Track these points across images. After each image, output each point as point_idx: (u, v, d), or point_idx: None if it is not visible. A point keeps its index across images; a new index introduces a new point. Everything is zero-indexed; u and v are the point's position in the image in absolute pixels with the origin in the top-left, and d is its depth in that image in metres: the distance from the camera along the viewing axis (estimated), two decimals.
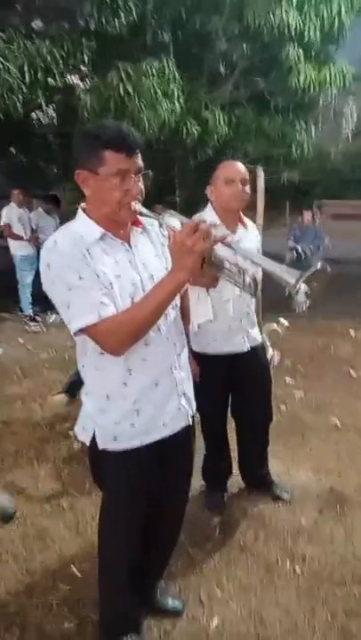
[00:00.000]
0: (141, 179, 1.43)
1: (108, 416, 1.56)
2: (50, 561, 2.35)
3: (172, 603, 2.06)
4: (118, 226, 1.48)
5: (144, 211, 1.44)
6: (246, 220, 2.52)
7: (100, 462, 1.63)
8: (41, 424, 3.70)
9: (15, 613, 2.07)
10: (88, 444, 1.61)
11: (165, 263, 1.57)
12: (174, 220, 1.52)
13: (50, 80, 5.43)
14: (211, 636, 1.95)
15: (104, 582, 1.85)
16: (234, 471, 2.82)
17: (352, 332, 6.04)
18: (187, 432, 1.69)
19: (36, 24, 7.09)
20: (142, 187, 1.44)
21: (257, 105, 7.54)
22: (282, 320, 3.42)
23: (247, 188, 2.38)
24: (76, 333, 1.43)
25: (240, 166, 2.38)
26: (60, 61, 5.22)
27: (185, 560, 2.32)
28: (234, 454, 2.82)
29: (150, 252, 1.57)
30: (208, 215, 2.40)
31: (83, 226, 1.46)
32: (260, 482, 2.82)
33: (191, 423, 1.70)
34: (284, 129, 7.43)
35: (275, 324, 3.38)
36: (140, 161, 1.42)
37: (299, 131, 7.53)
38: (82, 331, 1.40)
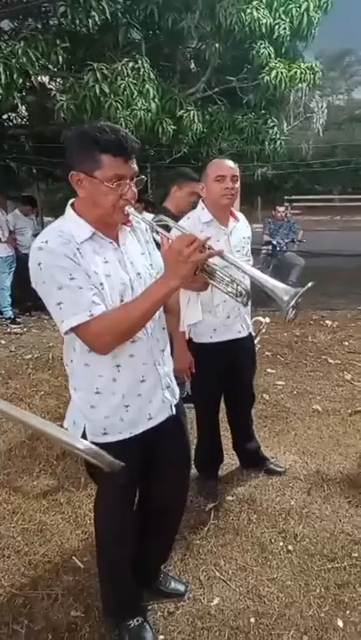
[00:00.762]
0: (135, 183, 1.46)
1: (99, 411, 1.60)
2: (51, 553, 2.41)
3: (174, 585, 2.15)
4: (109, 226, 1.51)
5: (137, 214, 1.48)
6: (237, 212, 2.63)
7: None
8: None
9: (22, 605, 2.12)
10: (79, 436, 1.63)
11: (150, 260, 1.63)
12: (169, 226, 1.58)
13: (25, 81, 5.41)
14: (212, 615, 2.05)
15: (104, 568, 1.93)
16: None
17: (328, 322, 6.24)
18: (172, 420, 1.75)
19: (7, 24, 7.05)
20: (135, 191, 1.46)
21: (230, 102, 7.65)
22: (262, 319, 3.55)
23: (237, 185, 2.47)
24: (66, 332, 1.45)
25: (229, 163, 2.47)
26: (36, 62, 5.21)
27: (183, 545, 2.41)
28: (224, 441, 2.94)
29: (137, 250, 1.61)
30: (200, 213, 2.51)
31: (73, 224, 1.47)
32: (255, 457, 2.99)
33: (175, 413, 1.75)
34: (257, 125, 7.55)
35: (260, 317, 3.50)
36: (135, 166, 1.45)
37: (271, 127, 7.66)
38: (72, 329, 1.43)
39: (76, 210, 1.50)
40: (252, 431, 3.03)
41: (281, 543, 2.42)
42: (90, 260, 1.44)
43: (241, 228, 2.61)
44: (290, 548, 2.39)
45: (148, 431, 1.67)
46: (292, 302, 1.59)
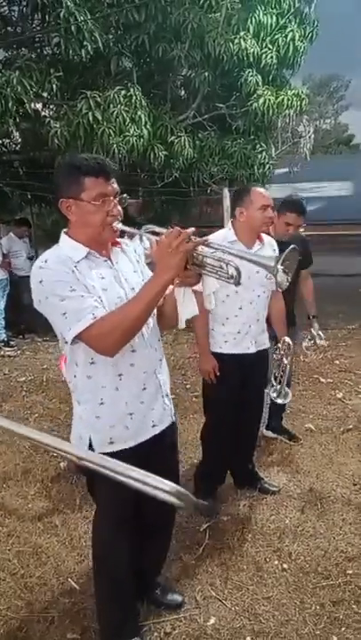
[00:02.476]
0: (119, 201, 1.59)
1: (104, 421, 1.67)
2: (47, 576, 2.41)
3: (171, 597, 2.18)
4: (101, 246, 1.64)
5: (126, 229, 1.60)
6: (264, 236, 2.77)
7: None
8: (25, 445, 3.74)
9: (18, 628, 2.12)
10: (86, 449, 1.68)
11: (143, 277, 1.73)
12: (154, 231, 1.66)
13: (20, 109, 5.54)
14: (209, 634, 2.06)
15: (103, 587, 1.93)
16: None
17: (321, 335, 6.31)
18: (171, 428, 1.86)
19: (1, 53, 7.23)
20: (120, 208, 1.59)
21: (220, 128, 7.84)
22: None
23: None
24: (73, 341, 1.53)
25: (268, 194, 2.65)
26: (30, 90, 5.35)
27: (178, 565, 2.43)
28: None
29: (130, 268, 1.72)
30: (227, 233, 2.67)
31: (68, 247, 1.60)
32: (250, 476, 3.03)
33: (174, 420, 1.87)
34: (246, 150, 7.73)
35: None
36: (116, 185, 1.59)
37: (260, 152, 7.85)
38: (78, 336, 1.51)
39: (69, 235, 1.63)
40: (253, 451, 3.09)
41: (276, 562, 2.44)
42: (87, 276, 1.55)
43: (266, 251, 2.70)
44: (285, 566, 2.41)
45: (149, 440, 1.74)
46: (279, 265, 1.72)
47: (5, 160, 8.12)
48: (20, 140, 8.34)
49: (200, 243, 1.51)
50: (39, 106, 6.90)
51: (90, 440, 1.69)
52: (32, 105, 6.07)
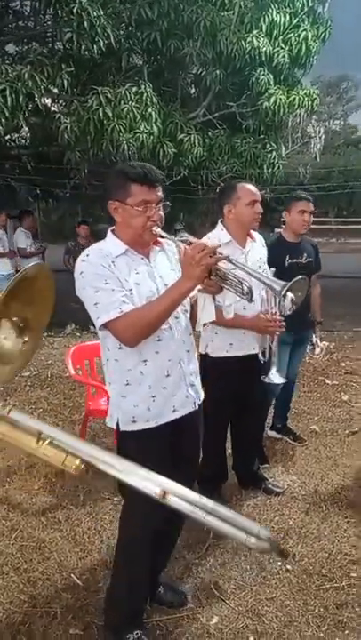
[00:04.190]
0: (161, 208, 1.74)
1: (129, 400, 1.81)
2: (50, 571, 2.41)
3: (174, 595, 2.18)
4: (141, 245, 1.79)
5: (163, 234, 1.74)
6: (254, 232, 2.74)
7: (124, 445, 1.88)
8: None
9: (21, 623, 2.11)
10: (115, 428, 1.86)
11: (179, 275, 1.79)
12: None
13: (30, 103, 5.55)
14: (211, 634, 2.05)
15: (123, 578, 1.97)
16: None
17: (325, 343, 6.29)
18: (194, 415, 1.94)
19: (12, 47, 7.24)
20: (162, 214, 1.75)
21: (229, 126, 7.83)
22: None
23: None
24: (100, 328, 1.70)
25: (256, 189, 2.62)
26: (41, 86, 5.35)
27: (182, 564, 2.42)
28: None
29: (167, 266, 1.86)
30: (220, 234, 2.62)
31: (110, 243, 1.78)
32: (254, 477, 3.02)
33: (197, 408, 1.94)
34: (256, 150, 7.72)
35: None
36: (160, 193, 1.73)
37: (270, 151, 7.83)
38: (104, 326, 1.67)
39: (114, 233, 1.80)
40: (254, 454, 3.08)
41: (279, 563, 2.43)
42: (123, 271, 1.72)
43: (257, 248, 2.72)
44: (288, 567, 2.40)
45: (172, 423, 1.84)
46: (284, 291, 1.92)
47: (14, 155, 8.13)
48: (28, 135, 8.35)
49: (222, 259, 1.65)
50: (49, 101, 6.91)
51: (117, 419, 1.84)
52: (42, 100, 6.08)
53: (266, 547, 1.26)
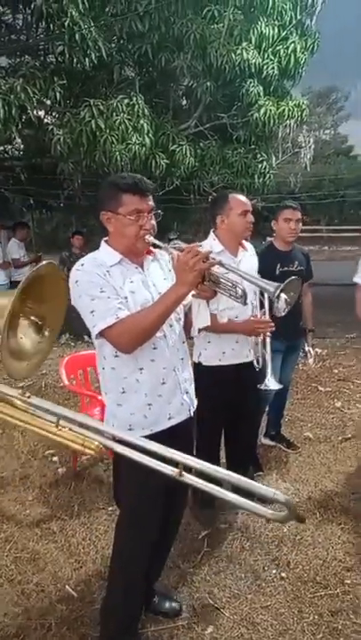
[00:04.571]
0: (153, 217, 1.76)
1: (124, 408, 1.82)
2: (45, 582, 2.40)
3: (169, 605, 2.18)
4: (134, 254, 1.81)
5: (156, 242, 1.77)
6: (245, 242, 2.78)
7: (120, 458, 1.81)
8: (24, 451, 3.73)
9: (15, 635, 2.10)
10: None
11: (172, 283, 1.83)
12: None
13: (23, 116, 5.59)
14: None
15: (118, 588, 1.96)
16: None
17: (317, 350, 6.32)
18: (188, 422, 1.95)
19: (4, 60, 7.30)
20: (154, 223, 1.77)
21: (221, 137, 7.91)
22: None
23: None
24: (96, 336, 1.71)
25: (246, 199, 2.66)
26: (34, 98, 5.40)
27: (176, 573, 2.42)
28: None
29: (160, 275, 1.88)
30: (212, 243, 2.65)
31: (104, 253, 1.80)
32: None
33: (192, 415, 1.95)
34: (247, 160, 7.80)
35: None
36: (151, 202, 1.75)
37: (261, 161, 7.91)
38: (101, 334, 1.68)
39: (107, 243, 1.82)
40: (248, 462, 3.10)
41: (274, 570, 2.44)
42: (117, 280, 1.74)
43: (249, 257, 2.76)
44: (283, 575, 2.40)
45: (165, 431, 1.84)
46: (277, 292, 1.93)
47: (7, 166, 8.17)
48: (22, 147, 8.40)
49: (214, 264, 1.69)
50: (42, 113, 6.97)
51: (112, 426, 1.83)
52: (35, 112, 6.13)
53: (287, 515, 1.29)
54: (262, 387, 2.66)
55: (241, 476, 1.33)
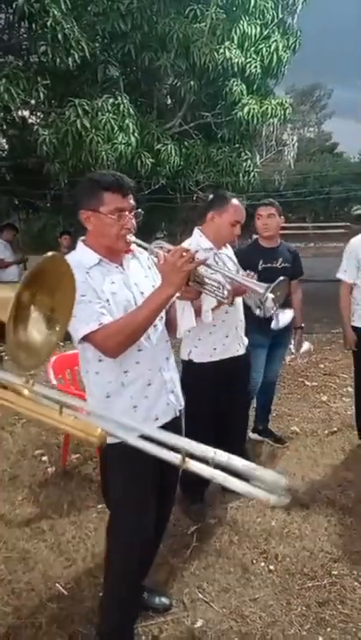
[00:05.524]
0: (134, 216, 1.73)
1: (110, 412, 1.72)
2: (35, 581, 2.40)
3: (158, 600, 2.20)
4: (114, 254, 1.77)
5: (138, 242, 1.75)
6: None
7: (107, 458, 1.85)
8: (13, 451, 3.72)
9: (5, 635, 2.10)
10: None
11: (153, 282, 1.83)
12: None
13: (7, 116, 5.57)
14: (196, 637, 2.07)
15: (113, 588, 1.94)
16: None
17: (307, 343, 6.39)
18: (176, 421, 1.92)
19: None
20: (135, 222, 1.74)
21: (205, 136, 7.95)
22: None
23: None
24: (79, 341, 1.67)
25: (244, 211, 2.68)
26: (17, 98, 5.38)
27: (166, 568, 2.43)
28: None
29: (141, 273, 1.85)
30: (199, 239, 2.67)
31: (82, 254, 1.75)
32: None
33: (178, 415, 1.94)
34: (232, 158, 7.84)
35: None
36: (132, 201, 1.72)
37: (245, 160, 7.96)
38: (84, 339, 1.64)
39: (85, 243, 1.78)
40: (237, 456, 3.11)
41: (262, 563, 2.47)
42: (98, 281, 1.69)
43: (229, 253, 2.80)
44: (271, 567, 2.44)
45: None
46: (267, 293, 1.91)
47: None
48: (6, 147, 8.35)
49: (201, 263, 1.67)
50: (26, 113, 6.94)
51: None
52: (19, 112, 6.11)
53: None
54: (278, 326, 2.76)
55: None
